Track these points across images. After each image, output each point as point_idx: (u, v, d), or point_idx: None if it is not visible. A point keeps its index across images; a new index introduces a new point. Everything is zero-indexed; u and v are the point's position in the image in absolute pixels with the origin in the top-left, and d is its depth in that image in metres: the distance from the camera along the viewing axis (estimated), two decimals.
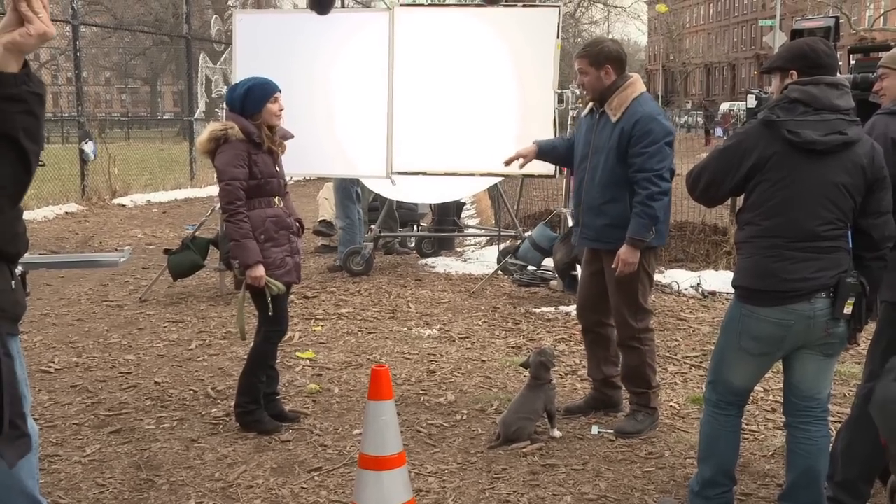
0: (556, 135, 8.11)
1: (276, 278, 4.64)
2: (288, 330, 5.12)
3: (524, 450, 4.54)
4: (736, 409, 3.64)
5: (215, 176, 4.71)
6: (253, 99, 4.64)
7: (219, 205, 7.96)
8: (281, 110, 4.74)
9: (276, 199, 4.76)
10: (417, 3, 9.95)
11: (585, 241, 4.83)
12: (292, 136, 4.92)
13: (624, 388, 4.98)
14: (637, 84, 4.69)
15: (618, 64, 4.65)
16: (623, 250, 4.53)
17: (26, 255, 2.18)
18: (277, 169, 4.78)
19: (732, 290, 3.57)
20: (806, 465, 3.53)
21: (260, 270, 4.58)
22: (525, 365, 4.82)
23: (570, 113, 8.39)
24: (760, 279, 3.35)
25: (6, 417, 1.99)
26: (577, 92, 8.33)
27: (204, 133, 4.79)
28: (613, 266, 4.58)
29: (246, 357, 4.93)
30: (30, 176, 2.05)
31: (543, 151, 5.18)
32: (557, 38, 8.17)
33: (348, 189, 9.53)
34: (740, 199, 3.54)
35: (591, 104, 4.88)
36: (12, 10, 1.96)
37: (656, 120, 4.56)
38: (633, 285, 4.68)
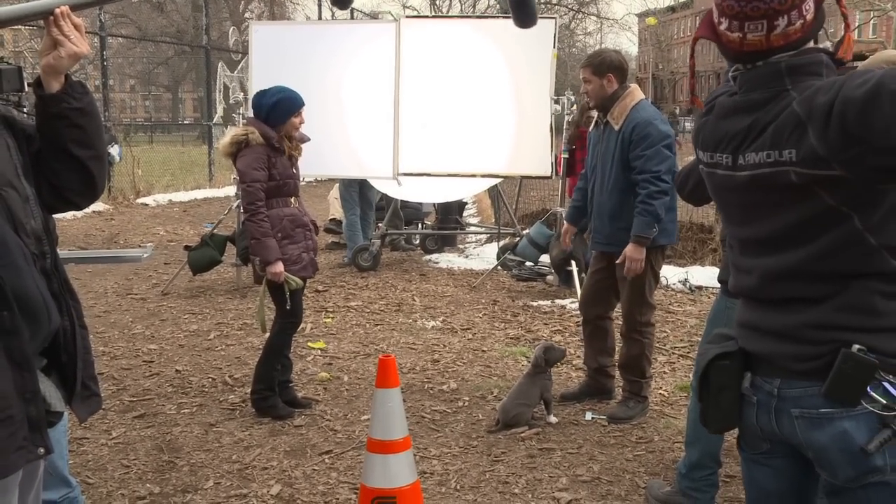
0: (551, 138, 8.11)
1: (293, 273, 4.64)
2: (302, 322, 5.11)
3: (522, 434, 4.53)
4: None
5: (232, 177, 4.71)
6: (279, 111, 4.65)
7: (236, 204, 8.00)
8: (301, 123, 4.75)
9: (293, 200, 4.77)
10: (422, 15, 9.93)
11: (597, 245, 4.82)
12: (309, 140, 4.92)
13: (619, 375, 4.96)
14: (636, 92, 4.68)
15: (619, 73, 4.64)
16: (629, 249, 4.50)
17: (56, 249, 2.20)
18: (294, 171, 4.78)
19: (718, 285, 3.56)
20: None
21: (279, 267, 4.57)
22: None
23: (566, 118, 8.36)
24: None
25: (79, 379, 2.06)
26: (573, 98, 8.32)
27: (226, 137, 4.79)
28: (619, 261, 4.56)
29: (261, 346, 4.93)
30: (92, 175, 2.11)
31: (576, 220, 5.16)
32: (554, 47, 8.15)
33: (343, 194, 9.64)
34: None
35: (595, 117, 4.88)
36: (47, 34, 1.99)
37: (653, 124, 4.54)
38: (640, 281, 4.66)
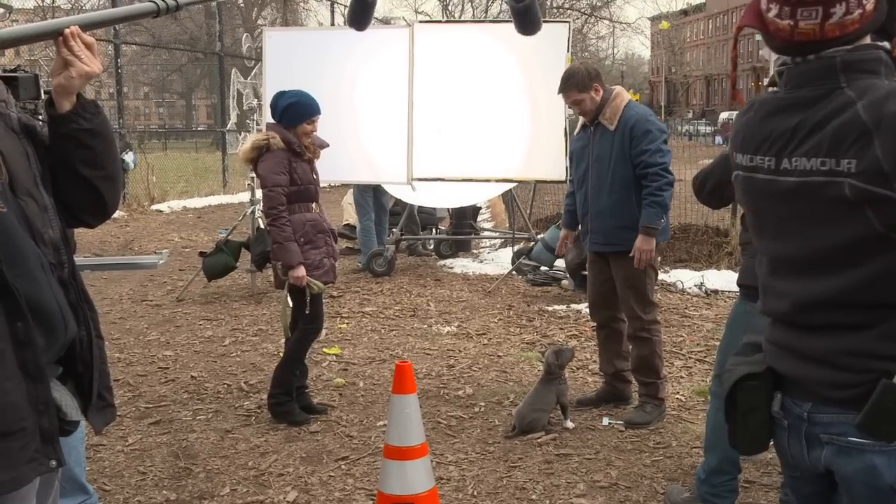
0: (566, 141, 8.08)
1: (315, 278, 4.65)
2: (323, 327, 5.08)
3: (539, 440, 4.51)
4: None
5: (246, 183, 4.71)
6: (292, 114, 4.66)
7: (250, 210, 8.01)
8: (313, 132, 4.75)
9: (314, 205, 4.78)
10: (435, 20, 9.93)
11: (596, 245, 4.82)
12: (328, 146, 4.93)
13: (634, 379, 4.95)
14: (623, 94, 4.79)
15: (599, 79, 4.74)
16: (639, 240, 4.56)
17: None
18: (315, 176, 4.79)
19: (733, 289, 3.54)
20: None
21: (301, 271, 4.58)
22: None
23: (580, 121, 8.35)
24: None
25: (95, 390, 2.05)
26: None
27: (247, 143, 4.81)
28: (631, 254, 4.58)
29: (276, 352, 4.93)
30: (101, 195, 2.09)
31: (573, 225, 5.22)
32: (567, 51, 8.14)
33: (358, 199, 9.67)
34: None
35: (582, 121, 4.94)
36: (58, 54, 1.97)
37: (650, 121, 4.66)
38: (641, 280, 4.69)
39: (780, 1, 1.72)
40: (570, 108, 5.20)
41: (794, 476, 1.96)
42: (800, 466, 1.89)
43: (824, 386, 1.76)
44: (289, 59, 8.45)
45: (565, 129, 8.13)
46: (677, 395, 5.20)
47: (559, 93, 4.83)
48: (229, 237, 8.28)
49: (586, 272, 7.64)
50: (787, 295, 1.83)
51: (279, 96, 4.73)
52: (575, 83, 4.68)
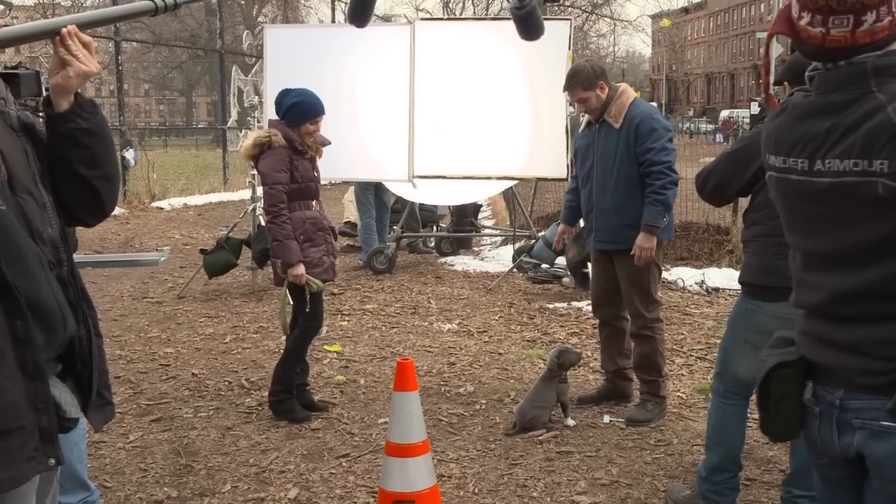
0: (567, 139, 8.09)
1: (314, 276, 4.65)
2: (323, 325, 5.10)
3: (540, 437, 4.51)
4: (742, 399, 3.60)
5: (247, 180, 4.70)
6: (296, 113, 4.66)
7: (251, 207, 8.01)
8: (316, 132, 4.75)
9: (314, 203, 4.77)
10: (436, 17, 9.93)
11: (601, 243, 4.81)
12: (329, 143, 4.92)
13: (635, 377, 4.95)
14: (629, 91, 4.78)
15: (604, 77, 4.73)
16: (640, 238, 4.56)
17: (73, 255, 2.19)
18: (315, 174, 4.79)
19: (734, 287, 3.54)
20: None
21: (301, 269, 4.58)
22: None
23: (582, 118, 8.35)
24: (766, 275, 3.31)
25: (94, 388, 2.05)
26: None
27: (248, 139, 4.80)
28: (632, 253, 4.58)
29: (277, 350, 4.93)
30: (99, 194, 2.08)
31: (572, 220, 5.27)
32: (569, 49, 8.14)
33: (359, 197, 9.67)
34: (745, 200, 3.51)
35: (587, 118, 4.94)
36: (55, 53, 1.96)
37: (656, 119, 4.66)
38: (645, 278, 4.69)
39: (812, 9, 1.77)
40: (574, 106, 5.18)
41: (823, 464, 2.01)
42: (829, 453, 1.95)
43: (857, 373, 1.83)
44: (289, 56, 8.45)
45: (566, 126, 8.13)
46: (678, 393, 5.20)
47: (564, 90, 4.83)
48: (230, 234, 8.28)
49: (587, 270, 7.70)
50: (822, 288, 1.90)
51: (284, 94, 4.72)
52: (580, 81, 4.67)
